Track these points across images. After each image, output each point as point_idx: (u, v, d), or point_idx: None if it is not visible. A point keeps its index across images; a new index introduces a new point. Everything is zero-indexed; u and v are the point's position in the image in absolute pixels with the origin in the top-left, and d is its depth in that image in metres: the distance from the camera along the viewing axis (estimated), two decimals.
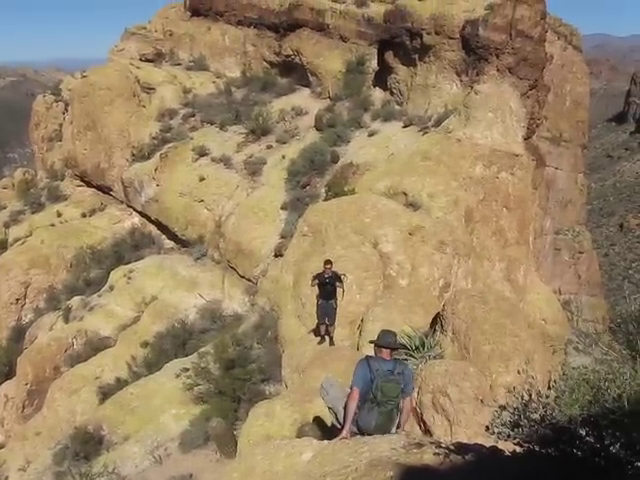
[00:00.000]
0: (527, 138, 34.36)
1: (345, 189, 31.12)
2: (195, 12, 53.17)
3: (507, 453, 6.06)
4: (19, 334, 40.74)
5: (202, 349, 27.94)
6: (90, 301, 38.44)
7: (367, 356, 8.38)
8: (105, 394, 29.76)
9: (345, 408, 8.30)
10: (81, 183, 49.84)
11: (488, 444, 6.49)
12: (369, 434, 7.89)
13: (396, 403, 8.06)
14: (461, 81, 35.91)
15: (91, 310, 37.57)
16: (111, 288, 38.43)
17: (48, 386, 33.06)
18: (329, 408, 9.44)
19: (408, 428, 9.26)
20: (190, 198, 40.06)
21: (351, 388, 8.17)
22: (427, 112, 36.53)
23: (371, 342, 8.50)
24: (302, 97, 44.37)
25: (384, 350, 8.15)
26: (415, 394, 9.24)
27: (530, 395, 5.62)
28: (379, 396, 7.89)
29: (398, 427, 8.31)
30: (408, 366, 8.48)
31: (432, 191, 28.23)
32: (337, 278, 17.05)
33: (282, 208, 35.81)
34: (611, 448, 4.80)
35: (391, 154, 33.70)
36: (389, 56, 39.84)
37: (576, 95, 58.21)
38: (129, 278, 38.37)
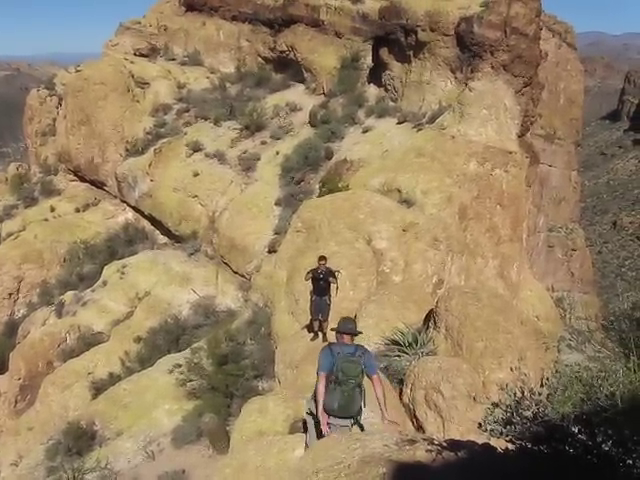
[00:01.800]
0: (521, 135, 34.39)
1: (339, 185, 31.11)
2: (190, 7, 52.99)
3: (499, 450, 6.07)
4: (12, 329, 40.63)
5: (195, 345, 27.95)
6: (83, 296, 38.32)
7: (329, 343, 9.00)
8: (98, 389, 29.74)
9: (315, 393, 8.71)
10: (75, 178, 49.66)
11: (480, 441, 6.50)
12: (334, 415, 8.35)
13: (357, 382, 8.39)
14: (455, 78, 35.89)
15: (84, 305, 37.47)
16: (104, 283, 38.34)
17: (41, 381, 32.99)
18: (307, 413, 9.46)
19: (395, 416, 9.27)
20: (184, 193, 39.98)
21: (317, 374, 8.60)
22: (421, 109, 36.50)
23: (332, 330, 9.11)
24: (296, 93, 44.30)
25: (345, 336, 8.71)
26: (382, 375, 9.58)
27: (522, 392, 5.63)
28: (340, 376, 8.28)
29: (380, 408, 8.62)
30: (369, 350, 8.93)
31: (426, 188, 28.24)
32: (331, 274, 17.05)
33: (276, 204, 35.78)
34: (603, 446, 4.81)
35: (385, 150, 33.68)
36: (384, 52, 39.81)
37: (570, 93, 58.30)
38: (122, 273, 38.30)
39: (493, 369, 11.54)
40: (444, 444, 6.49)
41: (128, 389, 27.07)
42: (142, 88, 47.65)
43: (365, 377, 8.55)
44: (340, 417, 8.43)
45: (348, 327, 8.84)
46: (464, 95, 32.74)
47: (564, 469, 4.98)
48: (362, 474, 6.24)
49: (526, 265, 34.96)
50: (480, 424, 5.91)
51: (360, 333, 9.21)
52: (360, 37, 41.53)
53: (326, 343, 9.14)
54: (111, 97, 46.25)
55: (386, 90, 40.36)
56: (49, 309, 38.94)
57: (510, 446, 5.71)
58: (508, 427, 5.54)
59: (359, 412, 8.62)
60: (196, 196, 39.35)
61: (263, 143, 40.41)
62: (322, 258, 17.16)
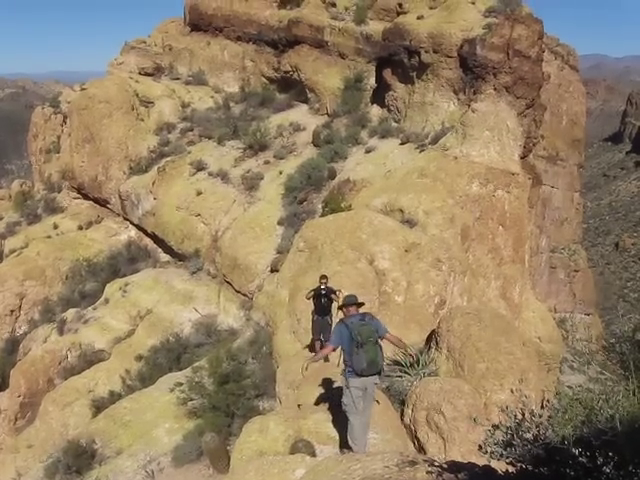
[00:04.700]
0: (524, 157, 34.48)
1: (342, 205, 31.15)
2: (195, 27, 53.44)
3: (500, 472, 6.05)
4: (13, 346, 40.55)
5: (196, 363, 27.85)
6: (85, 314, 38.29)
7: (341, 319, 10.18)
8: (98, 407, 29.58)
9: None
10: (78, 195, 49.84)
11: (481, 463, 6.48)
12: (364, 375, 9.51)
13: (374, 340, 9.64)
14: (458, 99, 36.06)
15: (86, 323, 37.43)
16: (106, 301, 38.32)
17: (41, 398, 32.85)
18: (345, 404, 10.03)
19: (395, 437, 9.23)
20: (187, 212, 40.04)
21: (327, 344, 10.58)
22: (424, 129, 36.62)
23: (340, 307, 10.53)
24: (300, 113, 44.50)
25: (351, 308, 10.03)
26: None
27: (523, 414, 5.63)
28: (360, 339, 9.48)
29: (400, 342, 10.54)
30: (374, 316, 10.27)
31: (428, 208, 28.26)
32: (333, 293, 17.03)
33: (279, 223, 35.77)
34: (604, 468, 4.80)
35: (388, 171, 33.77)
36: (387, 73, 40.03)
37: (572, 114, 58.60)
38: (124, 291, 38.28)
39: (495, 390, 11.52)
40: (445, 466, 6.48)
41: (129, 407, 26.94)
42: (146, 107, 47.93)
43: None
44: (369, 375, 9.55)
45: (350, 299, 10.18)
46: (467, 116, 32.86)
47: None
48: None
49: (528, 286, 34.89)
50: (481, 446, 5.90)
51: (363, 304, 10.44)
52: (364, 58, 41.79)
53: (338, 320, 10.36)
54: (116, 115, 46.51)
55: (389, 111, 40.54)
56: (50, 326, 38.88)
57: (510, 468, 5.69)
58: (509, 449, 5.53)
59: (383, 366, 9.89)
60: (199, 215, 39.39)
61: (266, 163, 40.53)
62: (324, 277, 17.17)
